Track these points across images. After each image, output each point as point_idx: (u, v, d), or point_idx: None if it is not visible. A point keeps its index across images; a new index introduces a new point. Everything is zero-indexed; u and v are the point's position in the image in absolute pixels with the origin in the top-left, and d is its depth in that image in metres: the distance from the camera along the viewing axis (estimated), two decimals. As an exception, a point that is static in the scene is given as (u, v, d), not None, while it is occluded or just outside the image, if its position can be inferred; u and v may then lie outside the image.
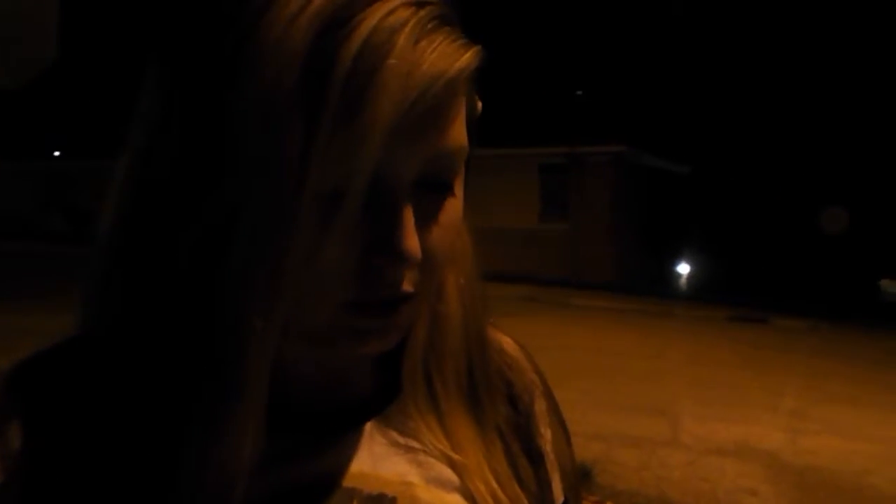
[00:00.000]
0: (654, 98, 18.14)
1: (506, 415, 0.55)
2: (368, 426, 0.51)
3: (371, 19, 0.38)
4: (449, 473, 0.50)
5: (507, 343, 0.60)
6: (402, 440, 0.51)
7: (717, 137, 14.08)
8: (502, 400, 0.56)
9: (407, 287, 0.44)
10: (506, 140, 15.44)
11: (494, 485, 0.50)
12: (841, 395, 6.88)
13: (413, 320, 0.48)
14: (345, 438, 0.50)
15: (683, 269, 17.61)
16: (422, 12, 0.40)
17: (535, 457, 0.56)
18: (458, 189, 0.47)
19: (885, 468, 4.96)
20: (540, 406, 0.58)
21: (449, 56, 0.41)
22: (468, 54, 0.42)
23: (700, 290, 15.55)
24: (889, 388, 7.45)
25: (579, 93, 18.20)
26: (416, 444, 0.51)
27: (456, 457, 0.50)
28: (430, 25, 0.40)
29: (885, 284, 24.78)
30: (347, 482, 0.48)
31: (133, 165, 0.44)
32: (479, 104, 0.50)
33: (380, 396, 0.53)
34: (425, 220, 0.44)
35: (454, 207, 0.46)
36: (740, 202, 17.74)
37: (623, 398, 6.21)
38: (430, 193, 0.44)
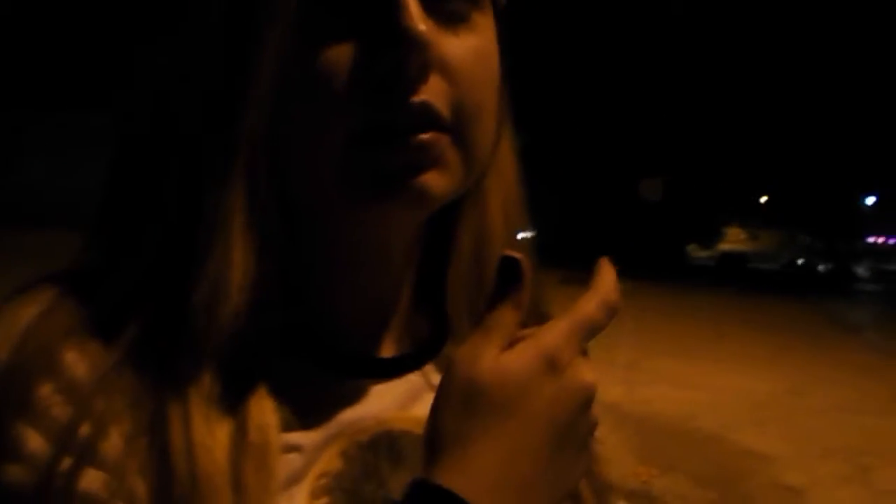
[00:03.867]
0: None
1: None
2: (429, 370, 0.48)
3: None
4: None
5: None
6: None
7: (551, 110, 14.72)
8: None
9: (431, 98, 0.37)
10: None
11: None
12: (667, 349, 7.53)
13: (457, 181, 0.40)
14: (395, 383, 0.46)
15: (520, 235, 18.29)
16: None
17: None
18: (487, 39, 0.41)
19: (709, 413, 5.52)
20: None
21: None
22: None
23: (534, 254, 16.24)
24: (705, 342, 8.25)
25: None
26: None
27: None
28: None
29: (691, 249, 27.38)
30: (398, 425, 0.45)
31: None
32: None
33: (437, 337, 0.48)
34: (445, 39, 0.39)
35: (481, 49, 0.40)
36: (572, 172, 18.74)
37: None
38: (447, 27, 0.39)
